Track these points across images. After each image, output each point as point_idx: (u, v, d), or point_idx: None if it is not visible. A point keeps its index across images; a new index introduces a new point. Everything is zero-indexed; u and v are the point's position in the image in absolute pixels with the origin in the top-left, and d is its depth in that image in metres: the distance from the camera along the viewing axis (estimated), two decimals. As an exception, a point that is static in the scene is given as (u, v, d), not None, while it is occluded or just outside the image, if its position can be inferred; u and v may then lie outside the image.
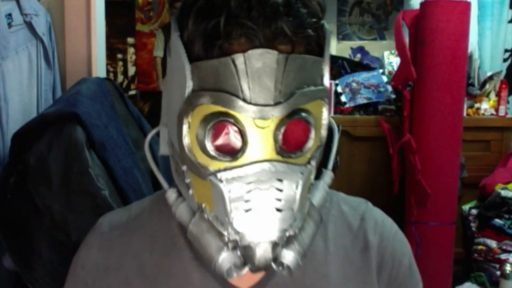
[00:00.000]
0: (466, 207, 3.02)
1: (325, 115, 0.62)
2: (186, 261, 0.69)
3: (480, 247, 2.80)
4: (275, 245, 0.58)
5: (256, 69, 0.55)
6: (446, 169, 2.62)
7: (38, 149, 1.30)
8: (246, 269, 0.59)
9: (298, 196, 0.58)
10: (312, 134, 0.60)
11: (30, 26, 1.69)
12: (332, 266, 0.71)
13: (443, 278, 2.65)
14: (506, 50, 3.83)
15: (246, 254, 0.58)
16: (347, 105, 3.33)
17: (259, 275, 0.69)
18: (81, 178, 1.26)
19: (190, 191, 0.63)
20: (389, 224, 0.76)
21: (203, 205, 0.61)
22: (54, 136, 1.30)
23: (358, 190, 3.08)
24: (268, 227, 0.57)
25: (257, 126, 0.56)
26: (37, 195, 1.27)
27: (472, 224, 2.95)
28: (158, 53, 4.43)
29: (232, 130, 0.57)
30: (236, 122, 0.56)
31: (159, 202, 0.74)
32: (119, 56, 5.59)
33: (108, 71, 5.12)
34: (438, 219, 2.65)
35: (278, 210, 0.57)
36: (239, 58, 0.55)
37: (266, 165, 0.57)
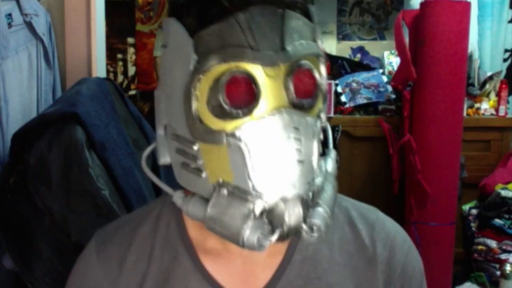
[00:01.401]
0: (466, 207, 3.02)
1: (324, 73, 0.64)
2: (185, 272, 0.68)
3: (480, 247, 2.80)
4: (303, 201, 0.57)
5: (258, 23, 0.58)
6: (446, 169, 2.62)
7: (38, 149, 1.29)
8: (276, 236, 0.57)
9: (315, 148, 0.59)
10: (319, 83, 0.62)
11: (30, 26, 1.69)
12: (337, 275, 0.69)
13: (443, 278, 2.65)
14: (506, 50, 3.83)
15: (275, 215, 0.57)
16: (347, 105, 3.33)
17: (262, 283, 0.67)
18: (81, 178, 1.26)
19: (203, 174, 0.61)
20: (402, 239, 0.73)
21: (221, 180, 0.60)
22: (54, 136, 1.30)
23: (358, 190, 3.08)
24: (294, 180, 0.57)
25: (267, 75, 0.58)
26: (37, 195, 1.27)
27: (472, 224, 2.94)
28: (158, 53, 4.43)
29: (245, 82, 0.58)
30: (248, 74, 0.58)
31: (158, 207, 0.73)
32: (119, 56, 5.58)
33: (108, 71, 5.12)
34: (438, 219, 2.65)
35: (300, 161, 0.57)
36: (241, 16, 0.58)
37: (282, 113, 0.58)
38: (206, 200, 0.61)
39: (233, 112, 0.58)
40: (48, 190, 1.27)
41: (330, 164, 0.66)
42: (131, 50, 5.62)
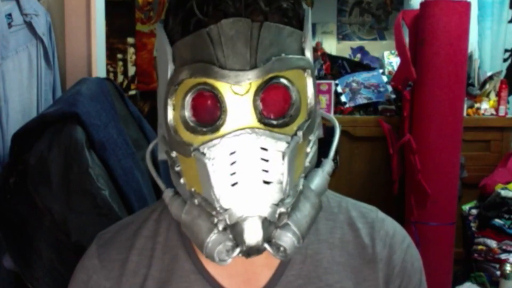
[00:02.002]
0: (466, 207, 3.02)
1: (310, 87, 0.62)
2: (186, 274, 0.68)
3: (480, 247, 2.80)
4: (265, 222, 0.56)
5: (229, 37, 0.56)
6: (446, 169, 2.62)
7: (38, 149, 1.29)
8: (237, 251, 0.57)
9: (286, 168, 0.57)
10: (293, 100, 0.59)
11: (30, 26, 1.69)
12: (337, 274, 0.68)
13: (443, 278, 2.65)
14: (506, 50, 3.82)
15: (236, 233, 0.56)
16: (347, 105, 3.33)
17: (262, 283, 0.67)
18: (81, 178, 1.26)
19: (181, 180, 0.62)
20: (401, 237, 0.73)
21: (193, 190, 0.60)
22: (54, 136, 1.30)
23: (358, 190, 3.08)
24: (256, 201, 0.55)
25: (234, 93, 0.56)
26: (37, 195, 1.27)
27: (472, 224, 2.94)
28: (158, 53, 4.43)
29: (210, 98, 0.57)
30: (214, 90, 0.57)
31: (158, 210, 0.73)
32: (119, 56, 5.58)
33: (108, 71, 5.12)
34: (438, 219, 2.64)
35: (266, 182, 0.56)
36: (213, 29, 0.56)
37: (248, 132, 0.56)
38: (185, 204, 0.62)
39: (197, 128, 0.58)
40: (48, 190, 1.26)
41: (316, 181, 0.63)
42: (131, 50, 5.62)
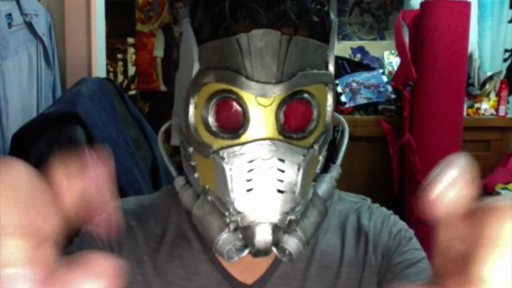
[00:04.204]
0: (466, 207, 3.02)
1: (330, 102, 0.63)
2: (195, 253, 0.70)
3: (480, 247, 2.80)
4: (275, 228, 0.58)
5: (259, 48, 0.57)
6: (446, 169, 2.62)
7: (38, 149, 1.29)
8: (246, 252, 0.59)
9: (300, 179, 0.58)
10: (314, 116, 0.61)
11: (30, 26, 1.69)
12: (333, 257, 0.71)
13: (443, 278, 2.66)
14: (506, 50, 3.82)
15: (246, 236, 0.58)
16: (347, 105, 3.33)
17: (263, 268, 0.69)
18: (81, 178, 1.26)
19: (196, 174, 0.63)
20: (384, 211, 0.76)
21: (207, 187, 0.62)
22: (54, 136, 1.30)
23: (358, 190, 3.05)
24: (269, 208, 0.57)
25: (259, 104, 0.58)
26: (37, 195, 1.27)
27: (472, 224, 2.94)
28: (158, 53, 4.43)
29: (234, 106, 0.58)
30: (238, 99, 0.58)
31: (168, 196, 0.75)
32: (119, 56, 5.58)
33: (108, 71, 5.12)
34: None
35: (280, 191, 0.58)
36: (243, 38, 0.57)
37: (267, 143, 0.58)
38: (197, 196, 0.64)
39: (219, 133, 0.59)
40: (48, 190, 1.26)
41: (323, 187, 0.65)
42: (131, 50, 5.62)
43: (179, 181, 0.67)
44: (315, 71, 0.60)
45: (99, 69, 1.92)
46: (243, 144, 0.58)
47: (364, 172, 3.19)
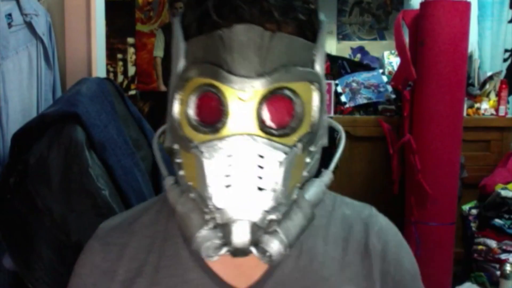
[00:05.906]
0: (466, 207, 3.02)
1: (316, 101, 0.62)
2: (184, 261, 0.69)
3: (480, 247, 2.80)
4: (254, 227, 0.57)
5: (240, 42, 0.57)
6: (446, 169, 2.62)
7: (38, 149, 1.29)
8: (224, 250, 0.58)
9: (281, 177, 0.58)
10: (297, 113, 0.60)
11: (30, 26, 1.69)
12: (332, 269, 0.69)
13: (443, 278, 2.65)
14: (506, 50, 3.83)
15: (224, 233, 0.57)
16: (347, 105, 3.33)
17: (257, 274, 0.68)
18: (81, 178, 1.26)
19: (181, 172, 0.63)
20: (394, 232, 0.75)
21: (190, 184, 0.61)
22: (54, 136, 1.30)
23: (358, 190, 3.09)
24: (248, 205, 0.56)
25: (239, 98, 0.58)
26: (37, 195, 1.27)
27: (472, 224, 2.94)
28: (158, 53, 4.43)
29: (214, 100, 0.58)
30: (219, 93, 0.58)
31: (159, 203, 0.75)
32: (119, 56, 5.59)
33: (108, 71, 5.12)
34: (438, 219, 2.65)
35: (260, 188, 0.57)
36: (226, 32, 0.57)
37: (247, 138, 0.57)
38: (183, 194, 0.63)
39: (199, 127, 0.59)
40: (48, 190, 1.27)
41: (311, 191, 0.63)
42: (131, 50, 5.63)
43: (168, 181, 0.66)
44: (299, 68, 0.60)
45: (99, 69, 1.92)
46: (222, 138, 0.58)
47: (364, 172, 3.20)
